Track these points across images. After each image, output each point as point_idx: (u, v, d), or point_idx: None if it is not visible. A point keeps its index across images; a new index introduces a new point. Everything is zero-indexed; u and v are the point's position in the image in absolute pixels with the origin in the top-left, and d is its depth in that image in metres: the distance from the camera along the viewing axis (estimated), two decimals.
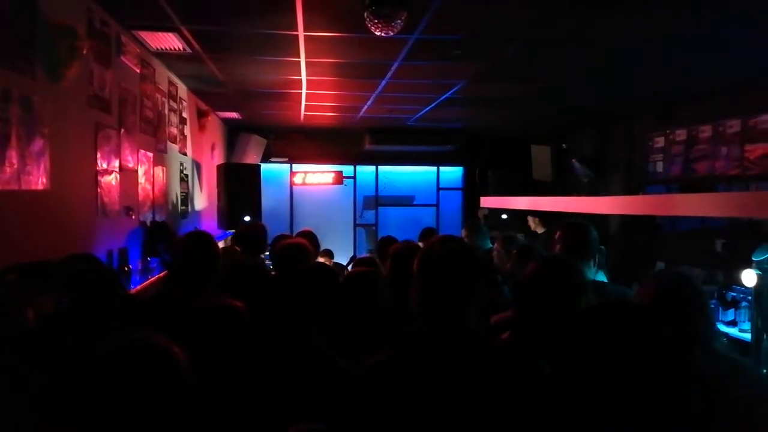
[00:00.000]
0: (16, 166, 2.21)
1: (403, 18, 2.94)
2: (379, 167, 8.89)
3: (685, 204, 4.06)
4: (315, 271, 2.16)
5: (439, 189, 9.15)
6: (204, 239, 2.44)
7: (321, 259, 6.02)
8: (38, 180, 2.39)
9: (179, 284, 2.33)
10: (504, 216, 7.62)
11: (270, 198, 7.89)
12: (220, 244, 5.29)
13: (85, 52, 2.84)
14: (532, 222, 6.18)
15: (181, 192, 5.08)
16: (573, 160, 7.06)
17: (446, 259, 1.60)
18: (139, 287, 3.08)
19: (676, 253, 5.46)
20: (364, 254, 7.95)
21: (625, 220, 6.27)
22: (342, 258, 6.41)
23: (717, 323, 4.08)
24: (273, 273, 3.11)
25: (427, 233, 4.89)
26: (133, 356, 1.10)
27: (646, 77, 4.67)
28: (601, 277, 2.97)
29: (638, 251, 5.99)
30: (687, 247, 5.38)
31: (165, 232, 3.90)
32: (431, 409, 1.47)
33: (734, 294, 4.47)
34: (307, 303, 1.99)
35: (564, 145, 7.59)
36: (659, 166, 5.81)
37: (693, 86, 4.92)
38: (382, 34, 3.02)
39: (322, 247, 5.50)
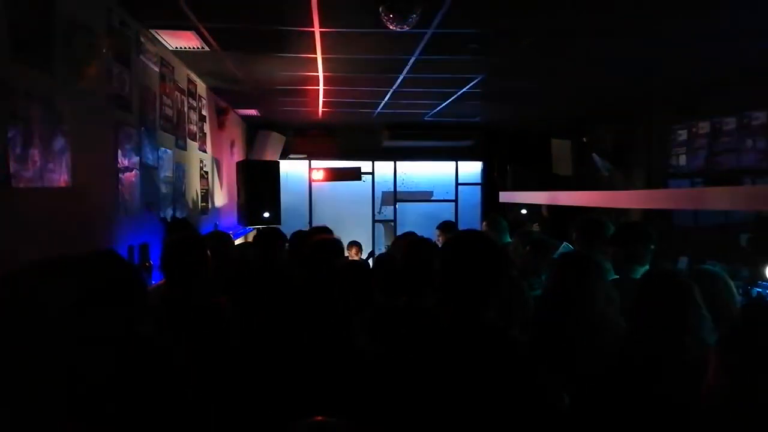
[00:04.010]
0: (38, 164, 2.26)
1: (418, 12, 2.94)
2: (398, 163, 8.89)
3: (710, 198, 3.98)
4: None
5: (457, 184, 9.11)
6: (188, 243, 2.41)
7: (351, 252, 6.09)
8: (60, 177, 2.44)
9: (168, 284, 2.36)
10: (523, 211, 7.56)
11: (289, 194, 7.93)
12: (239, 240, 5.32)
13: (104, 51, 2.88)
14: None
15: (201, 189, 5.14)
16: (593, 154, 6.97)
17: (471, 253, 1.60)
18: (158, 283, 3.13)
19: (700, 248, 5.35)
20: (382, 250, 7.96)
21: (646, 214, 6.17)
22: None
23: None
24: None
25: (448, 226, 4.85)
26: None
27: (668, 69, 4.58)
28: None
29: (660, 246, 5.88)
30: (711, 241, 5.27)
31: (185, 228, 3.95)
32: (443, 401, 1.47)
33: (760, 290, 4.36)
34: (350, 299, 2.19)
35: (584, 138, 7.49)
36: (682, 160, 5.70)
37: (716, 78, 4.81)
38: (398, 29, 3.02)
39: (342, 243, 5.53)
